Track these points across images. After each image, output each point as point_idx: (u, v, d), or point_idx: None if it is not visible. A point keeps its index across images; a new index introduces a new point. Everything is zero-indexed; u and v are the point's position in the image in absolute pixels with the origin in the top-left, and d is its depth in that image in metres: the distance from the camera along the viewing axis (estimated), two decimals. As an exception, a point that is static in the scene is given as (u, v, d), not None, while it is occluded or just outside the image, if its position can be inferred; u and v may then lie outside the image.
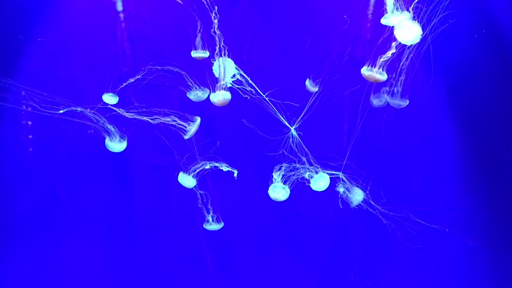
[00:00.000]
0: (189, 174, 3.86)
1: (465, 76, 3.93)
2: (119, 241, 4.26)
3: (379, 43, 3.54)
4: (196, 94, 3.78)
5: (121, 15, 3.97)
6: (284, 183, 3.80)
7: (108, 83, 3.79)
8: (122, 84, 3.77)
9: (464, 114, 4.02)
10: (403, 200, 3.96)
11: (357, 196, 3.82)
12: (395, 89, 3.72)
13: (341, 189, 3.84)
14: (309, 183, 3.79)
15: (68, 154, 4.11)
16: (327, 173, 3.78)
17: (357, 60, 3.74)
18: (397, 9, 3.33)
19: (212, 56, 3.69)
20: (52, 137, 4.08)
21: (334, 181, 3.81)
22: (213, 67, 3.70)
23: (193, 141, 3.86)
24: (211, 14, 3.55)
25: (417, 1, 3.33)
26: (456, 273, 4.19)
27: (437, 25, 3.53)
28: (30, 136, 4.09)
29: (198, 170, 3.87)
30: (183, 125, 3.77)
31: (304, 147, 3.75)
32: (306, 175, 3.78)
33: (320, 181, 3.78)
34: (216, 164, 3.87)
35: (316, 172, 3.79)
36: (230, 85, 3.68)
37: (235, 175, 3.86)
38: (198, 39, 3.72)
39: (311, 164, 3.78)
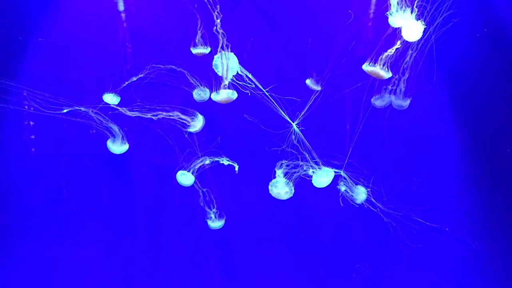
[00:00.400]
0: (189, 171, 3.86)
1: (467, 74, 3.94)
2: (122, 240, 4.26)
3: (383, 40, 3.55)
4: (199, 94, 3.79)
5: (123, 15, 3.97)
6: (287, 179, 3.80)
7: (110, 83, 3.79)
8: (124, 83, 3.78)
9: (466, 112, 4.02)
10: (404, 198, 3.97)
11: (361, 194, 3.82)
12: (398, 88, 3.73)
13: (342, 188, 3.84)
14: (312, 178, 3.79)
15: (70, 154, 4.11)
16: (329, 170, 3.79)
17: (360, 57, 3.75)
18: (401, 8, 3.35)
19: (213, 53, 3.69)
20: (54, 137, 4.08)
21: (335, 179, 3.81)
22: (214, 62, 3.68)
23: (195, 138, 3.87)
24: (213, 13, 3.56)
25: (420, 1, 3.34)
26: (456, 273, 4.19)
27: (440, 24, 3.54)
28: (33, 136, 4.10)
29: (198, 166, 3.87)
30: (186, 120, 3.78)
31: (306, 143, 3.75)
32: (310, 172, 3.78)
33: (323, 177, 3.77)
34: (216, 159, 3.87)
35: (320, 168, 3.78)
36: (232, 82, 3.68)
37: (236, 169, 3.86)
38: (198, 36, 3.72)
39: (313, 160, 3.78)
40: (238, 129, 4.03)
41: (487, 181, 4.08)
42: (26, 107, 3.88)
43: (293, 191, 3.79)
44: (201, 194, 3.98)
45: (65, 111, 3.73)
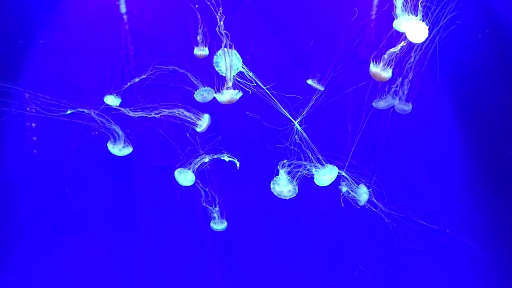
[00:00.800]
0: (189, 169, 3.87)
1: (469, 76, 3.94)
2: (124, 241, 4.26)
3: (386, 41, 3.56)
4: (202, 95, 3.79)
5: (125, 17, 3.98)
6: (289, 179, 3.81)
7: (112, 85, 3.80)
8: (127, 84, 3.78)
9: (467, 113, 4.03)
10: (405, 200, 3.98)
11: (363, 195, 3.83)
12: (401, 91, 3.74)
13: (344, 188, 3.85)
14: (314, 176, 3.80)
15: (72, 155, 4.10)
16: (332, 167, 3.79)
17: (363, 57, 3.77)
18: (406, 11, 3.36)
19: (213, 55, 3.70)
20: (56, 138, 4.08)
21: (337, 179, 3.82)
22: (215, 59, 3.69)
23: (197, 137, 3.87)
24: (216, 14, 3.57)
25: (424, 3, 3.35)
26: (456, 274, 4.20)
27: (444, 26, 3.55)
28: (34, 138, 4.10)
29: (199, 164, 3.88)
30: (191, 118, 3.78)
31: (308, 140, 3.75)
32: (313, 170, 3.78)
33: (325, 175, 3.77)
34: (216, 156, 3.87)
35: (323, 166, 3.78)
36: (234, 80, 3.68)
37: (238, 165, 3.86)
38: (200, 37, 3.72)
39: (316, 158, 3.78)
40: (240, 128, 4.03)
41: (488, 183, 4.08)
42: (28, 108, 3.88)
43: (296, 189, 3.80)
44: (203, 193, 3.98)
45: (69, 112, 3.73)
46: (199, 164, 3.89)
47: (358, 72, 3.74)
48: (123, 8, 3.96)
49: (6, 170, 4.10)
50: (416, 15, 3.39)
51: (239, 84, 3.70)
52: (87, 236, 4.22)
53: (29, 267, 4.22)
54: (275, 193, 3.82)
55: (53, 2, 3.96)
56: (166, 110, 3.78)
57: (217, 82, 3.73)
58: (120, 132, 3.84)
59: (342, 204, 3.86)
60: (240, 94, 3.71)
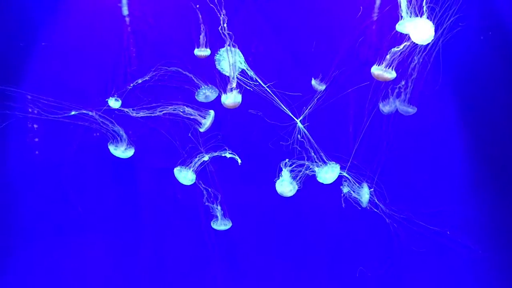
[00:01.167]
0: (190, 168, 3.87)
1: (472, 77, 3.95)
2: (127, 242, 4.27)
3: (389, 42, 3.57)
4: (204, 94, 3.79)
5: (127, 19, 3.98)
6: (291, 177, 3.81)
7: (114, 87, 3.80)
8: (130, 85, 3.79)
9: (470, 114, 4.03)
10: (407, 201, 3.98)
11: (364, 195, 3.83)
12: (403, 93, 3.75)
13: (345, 189, 3.85)
14: (316, 174, 3.80)
15: (74, 156, 4.10)
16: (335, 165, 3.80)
17: (365, 57, 3.78)
18: (410, 12, 3.36)
19: (214, 55, 3.71)
20: (58, 140, 4.08)
21: (339, 179, 3.82)
22: (217, 57, 3.69)
23: (198, 136, 3.88)
24: (219, 15, 3.58)
25: (428, 5, 3.36)
26: (457, 275, 4.20)
27: (448, 28, 3.56)
28: (36, 139, 4.10)
29: (199, 163, 3.88)
30: (193, 115, 3.78)
31: (310, 138, 3.76)
32: (315, 168, 3.78)
33: (328, 173, 3.77)
34: (217, 153, 3.87)
35: (326, 163, 3.78)
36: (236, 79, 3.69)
37: (239, 162, 3.86)
38: (203, 38, 3.73)
39: (318, 156, 3.78)
40: (242, 126, 4.03)
41: (489, 184, 4.09)
42: (30, 109, 3.88)
43: (296, 187, 3.80)
44: (205, 193, 3.98)
45: (73, 113, 3.74)
46: (199, 162, 3.89)
47: (361, 72, 3.75)
48: (125, 11, 3.97)
49: (8, 171, 4.10)
50: (421, 17, 3.38)
51: (241, 82, 3.70)
52: (88, 238, 4.22)
53: (31, 268, 4.21)
54: (278, 192, 3.83)
55: (55, 4, 3.96)
56: (170, 107, 3.78)
57: (220, 82, 3.74)
58: (123, 134, 3.84)
59: (343, 205, 3.87)
60: (240, 96, 3.71)
